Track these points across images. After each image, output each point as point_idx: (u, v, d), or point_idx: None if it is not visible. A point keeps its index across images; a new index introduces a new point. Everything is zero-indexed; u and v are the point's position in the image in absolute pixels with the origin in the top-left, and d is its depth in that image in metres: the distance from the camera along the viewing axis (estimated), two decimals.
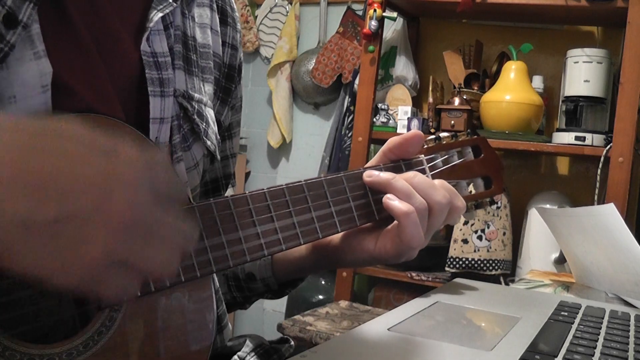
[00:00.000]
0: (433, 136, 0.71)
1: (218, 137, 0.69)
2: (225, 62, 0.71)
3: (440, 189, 0.63)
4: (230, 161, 0.76)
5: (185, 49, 0.63)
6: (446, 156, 0.70)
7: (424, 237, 0.62)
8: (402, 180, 0.62)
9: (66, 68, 0.50)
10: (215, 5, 0.70)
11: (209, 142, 0.65)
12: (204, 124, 0.64)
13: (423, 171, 0.68)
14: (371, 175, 0.63)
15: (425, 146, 0.70)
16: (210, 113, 0.67)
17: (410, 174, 0.64)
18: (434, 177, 0.68)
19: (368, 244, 0.64)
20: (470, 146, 0.73)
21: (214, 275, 0.69)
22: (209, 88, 0.68)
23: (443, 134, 0.71)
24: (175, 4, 0.59)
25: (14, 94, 0.47)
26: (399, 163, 0.67)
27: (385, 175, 0.63)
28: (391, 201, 0.61)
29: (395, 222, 0.62)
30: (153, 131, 0.57)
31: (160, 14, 0.58)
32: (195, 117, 0.63)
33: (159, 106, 0.58)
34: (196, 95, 0.64)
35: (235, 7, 0.74)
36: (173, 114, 0.60)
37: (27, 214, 0.34)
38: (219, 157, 0.69)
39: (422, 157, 0.69)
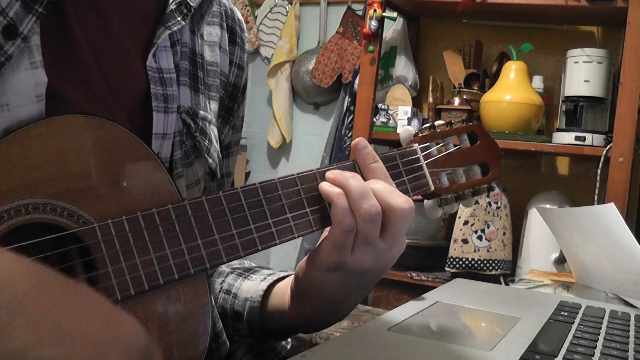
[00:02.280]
0: (428, 125, 0.70)
1: (220, 155, 0.69)
2: (230, 82, 0.72)
3: (400, 195, 0.59)
4: (225, 180, 0.75)
5: (192, 66, 0.64)
6: (441, 144, 0.69)
7: (377, 242, 0.58)
8: (354, 181, 0.58)
9: (63, 79, 0.51)
10: (225, 25, 0.71)
11: (210, 160, 0.65)
12: (207, 142, 0.64)
13: (417, 160, 0.67)
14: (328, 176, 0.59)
15: (420, 135, 0.69)
16: (214, 131, 0.67)
17: (371, 182, 0.59)
18: (428, 165, 0.67)
19: (312, 255, 0.61)
20: (466, 133, 0.72)
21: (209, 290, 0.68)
22: (214, 106, 0.68)
23: (438, 122, 0.70)
24: (183, 23, 0.60)
25: (7, 102, 0.47)
26: (393, 153, 0.66)
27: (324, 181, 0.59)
28: (323, 186, 0.58)
29: None
30: (155, 146, 0.57)
31: (169, 32, 0.59)
32: (198, 134, 0.63)
33: (162, 122, 0.58)
34: (201, 113, 0.64)
35: (245, 27, 0.75)
36: (175, 130, 0.60)
37: (24, 348, 0.33)
38: (219, 175, 0.69)
39: (416, 146, 0.67)
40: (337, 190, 0.57)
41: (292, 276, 0.67)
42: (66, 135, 0.48)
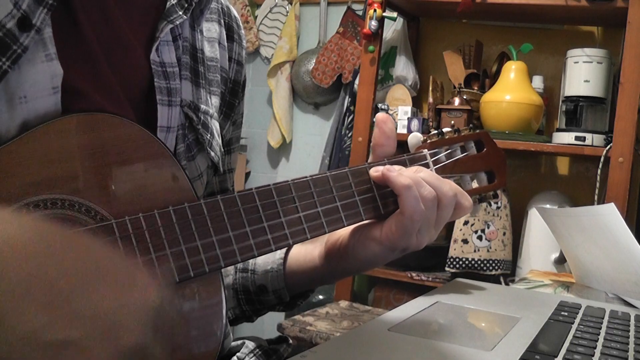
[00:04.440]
0: (436, 131, 0.71)
1: (222, 149, 0.70)
2: (230, 78, 0.73)
3: (447, 182, 0.64)
4: (227, 176, 0.76)
5: (193, 60, 0.65)
6: (449, 150, 0.71)
7: (432, 228, 0.64)
8: (409, 171, 0.64)
9: (76, 72, 0.51)
10: (223, 21, 0.72)
11: (212, 154, 0.66)
12: (209, 135, 0.65)
13: (427, 165, 0.68)
14: (378, 170, 0.64)
15: (429, 141, 0.70)
16: (215, 125, 0.67)
17: (413, 169, 0.65)
18: (437, 171, 0.69)
19: (375, 232, 0.64)
20: (473, 141, 0.73)
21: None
22: (215, 100, 0.69)
23: (446, 129, 0.72)
24: (185, 17, 0.61)
25: (25, 94, 0.48)
26: (403, 157, 0.67)
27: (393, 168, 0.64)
28: (391, 173, 0.62)
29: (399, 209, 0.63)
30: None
31: (170, 25, 0.60)
32: (200, 127, 0.64)
33: (166, 115, 0.59)
34: (202, 107, 0.65)
35: (241, 25, 0.76)
36: (179, 123, 0.61)
37: (36, 331, 0.34)
38: (221, 169, 0.70)
39: (426, 151, 0.69)
40: (407, 181, 0.61)
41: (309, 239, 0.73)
42: (85, 132, 0.49)
